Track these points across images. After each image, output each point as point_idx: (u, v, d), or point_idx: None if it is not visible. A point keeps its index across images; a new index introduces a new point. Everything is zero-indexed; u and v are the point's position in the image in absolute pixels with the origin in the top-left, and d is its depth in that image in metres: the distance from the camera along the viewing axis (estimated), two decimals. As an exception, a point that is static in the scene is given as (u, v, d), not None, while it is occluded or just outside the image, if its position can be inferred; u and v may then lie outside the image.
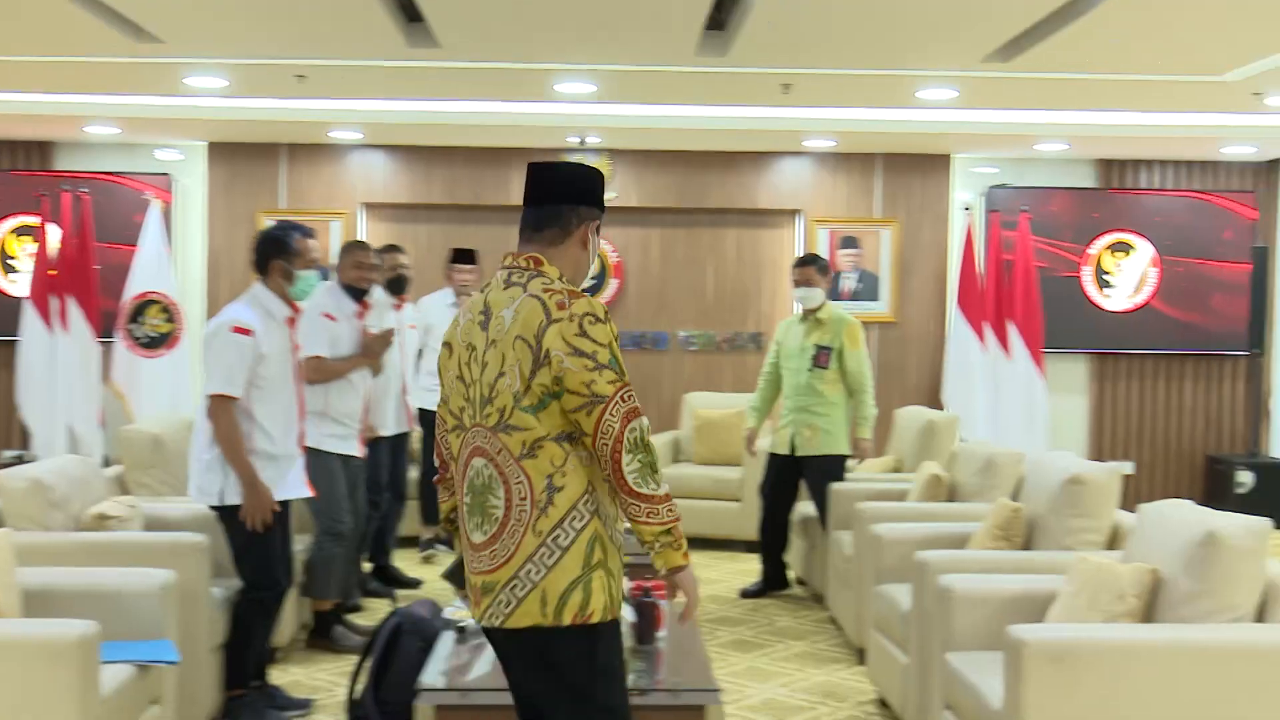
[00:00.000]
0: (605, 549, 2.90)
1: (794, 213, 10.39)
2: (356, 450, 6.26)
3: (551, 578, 2.85)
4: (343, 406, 6.14)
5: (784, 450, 7.25)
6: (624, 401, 2.84)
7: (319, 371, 5.95)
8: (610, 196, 10.09)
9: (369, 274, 6.31)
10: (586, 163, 3.10)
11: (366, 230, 10.19)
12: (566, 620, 2.86)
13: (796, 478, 7.27)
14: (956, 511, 5.99)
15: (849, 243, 10.38)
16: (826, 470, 7.05)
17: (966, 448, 6.85)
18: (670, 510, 2.87)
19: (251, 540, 4.97)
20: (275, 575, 5.08)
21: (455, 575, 3.29)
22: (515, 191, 10.02)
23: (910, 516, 5.95)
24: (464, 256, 8.24)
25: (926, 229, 10.45)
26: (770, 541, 7.32)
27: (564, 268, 2.99)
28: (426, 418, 7.94)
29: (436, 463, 3.22)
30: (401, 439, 7.42)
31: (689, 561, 2.94)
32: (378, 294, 7.22)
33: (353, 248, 6.35)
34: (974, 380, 10.03)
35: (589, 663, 2.89)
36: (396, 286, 7.28)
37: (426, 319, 7.96)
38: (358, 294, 6.28)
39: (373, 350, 6.22)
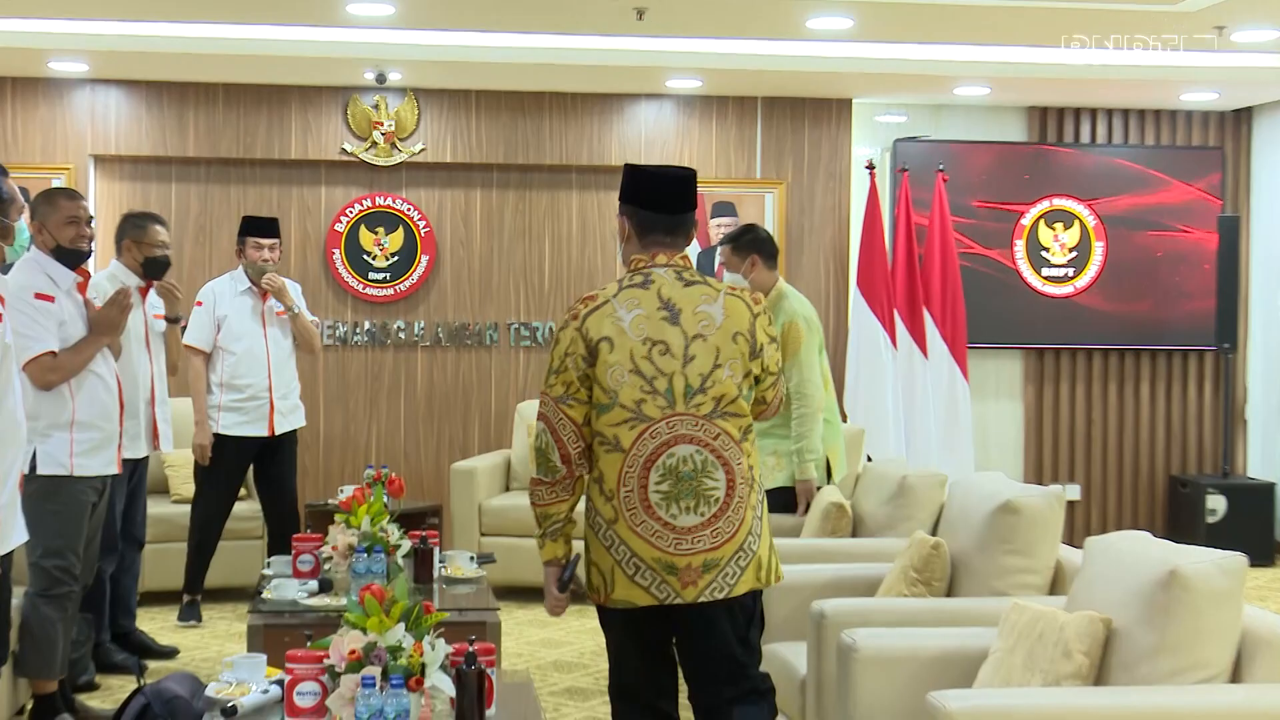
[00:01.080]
0: None
1: (654, 172, 10.35)
2: (115, 465, 6.20)
3: (762, 545, 4.18)
4: (94, 407, 6.03)
5: None
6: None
7: (57, 371, 5.81)
8: (415, 150, 10.10)
9: (86, 230, 6.12)
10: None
11: (97, 190, 10.03)
12: (774, 580, 4.26)
13: None
14: (863, 549, 5.97)
15: (723, 210, 10.38)
16: (782, 509, 6.92)
17: (874, 469, 6.80)
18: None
19: None
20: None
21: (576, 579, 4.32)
22: (297, 142, 10.07)
23: (805, 556, 5.90)
24: (262, 227, 8.24)
25: (821, 192, 10.49)
26: None
27: None
28: (228, 445, 7.96)
29: (559, 464, 4.18)
30: (143, 466, 7.31)
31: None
32: (116, 270, 7.15)
33: (59, 197, 6.15)
34: (882, 382, 10.10)
35: (763, 614, 4.34)
36: (155, 269, 7.20)
37: (217, 309, 8.03)
38: (73, 259, 6.08)
39: (111, 322, 6.06)
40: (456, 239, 10.39)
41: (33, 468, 5.68)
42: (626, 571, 4.09)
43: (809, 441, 6.81)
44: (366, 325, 10.31)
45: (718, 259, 7.33)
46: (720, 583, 4.08)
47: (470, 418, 10.34)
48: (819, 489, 6.83)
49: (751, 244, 6.92)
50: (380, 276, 10.29)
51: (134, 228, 7.25)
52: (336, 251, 10.25)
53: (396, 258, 10.28)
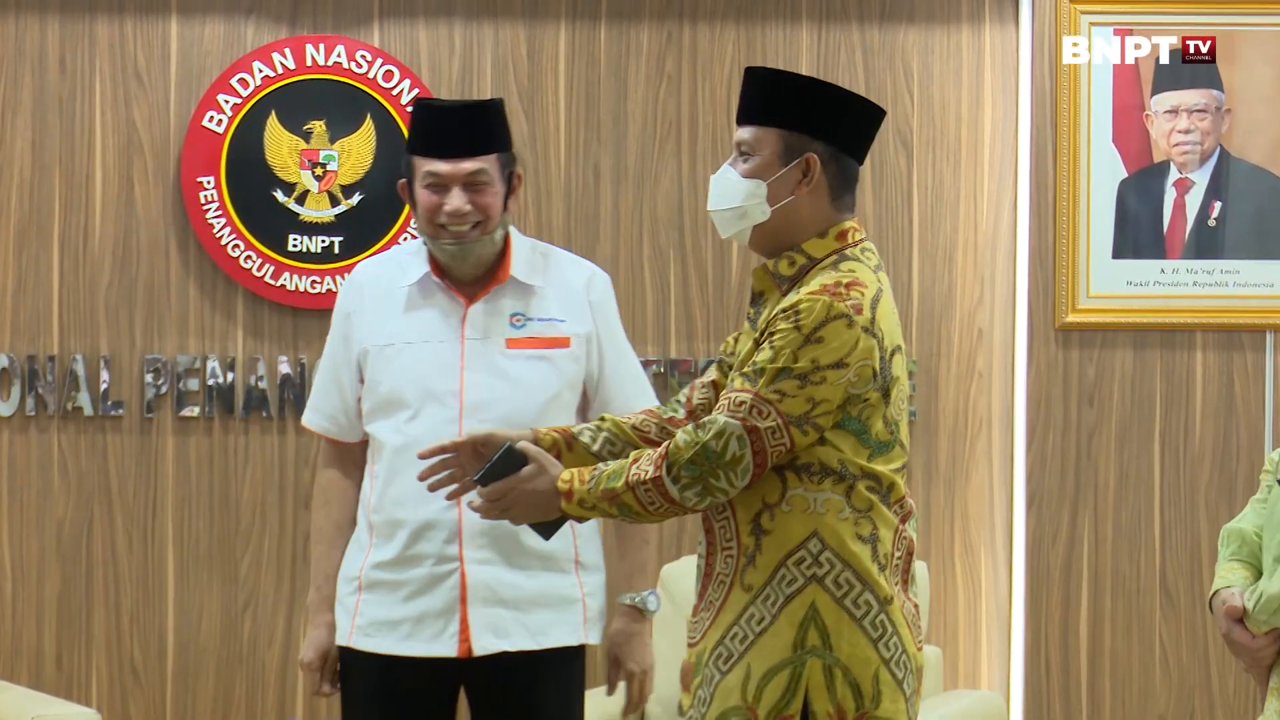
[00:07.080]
0: None
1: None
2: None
3: None
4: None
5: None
6: None
7: None
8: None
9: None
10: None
11: None
12: None
13: None
14: None
15: (1185, 76, 6.46)
16: None
17: None
18: None
19: None
20: None
21: None
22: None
23: None
24: (438, 130, 5.01)
25: None
26: None
27: None
28: (364, 674, 5.05)
29: (734, 486, 3.47)
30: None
31: None
32: None
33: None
34: None
35: None
36: None
37: (361, 329, 4.88)
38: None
39: None
40: (541, 152, 6.90)
41: None
42: (897, 678, 3.32)
43: None
44: (282, 359, 6.69)
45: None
46: None
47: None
48: None
49: None
50: (319, 245, 6.62)
51: None
52: (208, 181, 6.54)
53: (360, 197, 6.58)
